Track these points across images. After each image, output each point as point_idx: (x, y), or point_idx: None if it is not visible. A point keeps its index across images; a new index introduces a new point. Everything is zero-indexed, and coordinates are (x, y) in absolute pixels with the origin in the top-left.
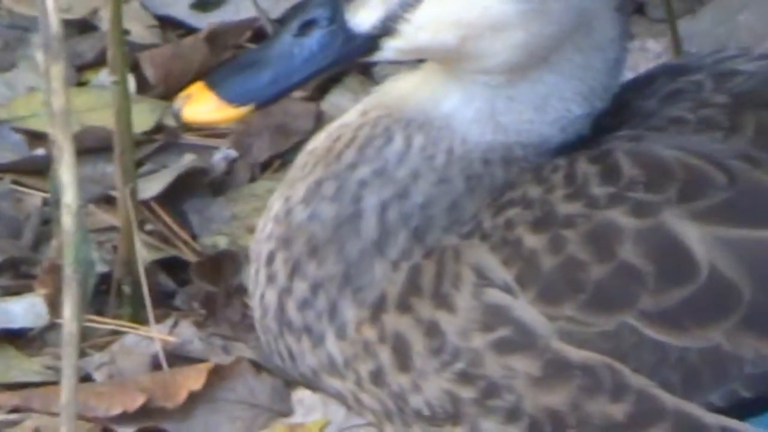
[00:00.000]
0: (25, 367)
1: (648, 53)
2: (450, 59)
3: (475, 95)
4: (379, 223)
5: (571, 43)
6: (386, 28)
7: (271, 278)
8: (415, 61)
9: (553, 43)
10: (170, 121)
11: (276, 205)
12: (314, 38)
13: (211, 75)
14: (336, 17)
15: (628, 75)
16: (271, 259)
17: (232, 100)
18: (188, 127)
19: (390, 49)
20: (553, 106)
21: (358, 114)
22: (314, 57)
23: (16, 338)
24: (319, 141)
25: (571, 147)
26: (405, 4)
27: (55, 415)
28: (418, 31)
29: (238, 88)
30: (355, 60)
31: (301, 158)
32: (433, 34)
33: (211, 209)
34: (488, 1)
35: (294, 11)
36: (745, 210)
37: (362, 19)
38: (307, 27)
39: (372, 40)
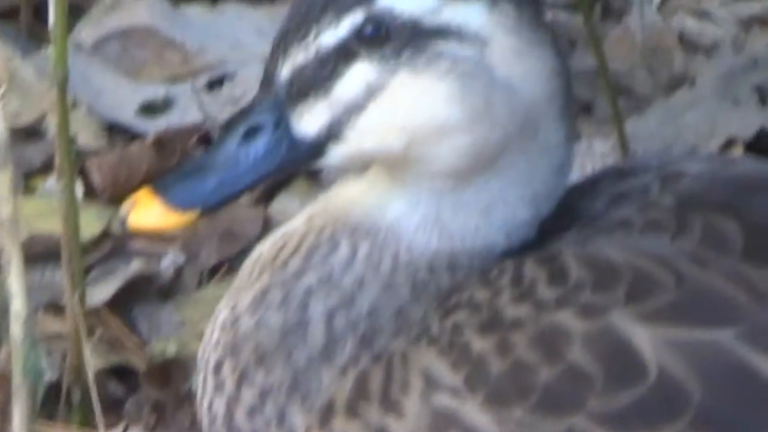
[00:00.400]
0: None
1: (595, 153)
2: (395, 164)
3: (421, 201)
4: (327, 331)
5: (517, 148)
6: (332, 134)
7: (219, 386)
8: (361, 166)
9: (499, 148)
10: (117, 228)
11: (223, 313)
12: (259, 144)
13: (157, 181)
14: (281, 123)
15: (575, 175)
16: (218, 367)
17: (178, 206)
18: (136, 234)
19: (336, 154)
20: (498, 211)
21: (303, 221)
22: (259, 163)
23: None
24: (264, 248)
25: (517, 250)
26: (350, 109)
27: None
28: (363, 136)
29: (184, 194)
30: (300, 166)
31: (247, 266)
32: (379, 139)
33: (159, 315)
34: (433, 106)
35: (239, 116)
36: (693, 311)
37: (308, 124)
38: (252, 132)
39: (317, 146)
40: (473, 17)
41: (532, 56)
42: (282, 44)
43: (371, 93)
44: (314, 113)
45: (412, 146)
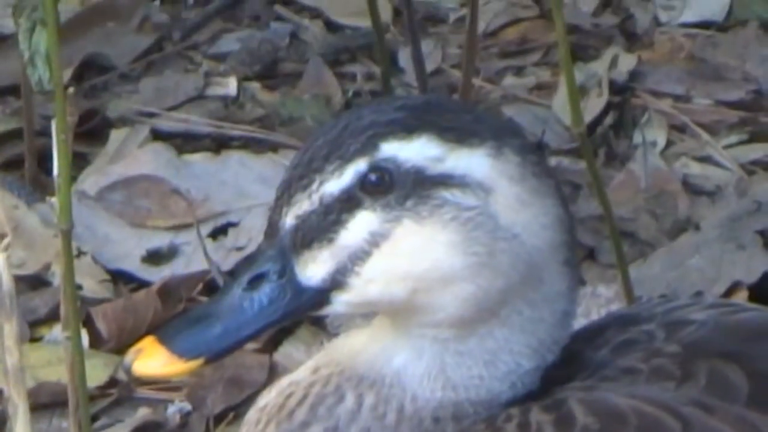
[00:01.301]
0: None
1: (599, 299)
2: (400, 312)
3: (425, 351)
4: None
5: (521, 297)
6: (336, 282)
7: None
8: (366, 313)
9: (503, 297)
10: (123, 376)
11: None
12: (264, 292)
13: (162, 329)
14: (285, 271)
15: (580, 321)
16: None
17: (182, 354)
18: (141, 381)
19: (340, 302)
20: (503, 360)
21: (309, 371)
22: (264, 311)
23: None
24: (270, 397)
25: (523, 396)
26: (354, 257)
27: None
28: (367, 284)
29: (188, 341)
30: (305, 313)
31: (253, 415)
32: (383, 287)
33: None
34: (437, 255)
35: (244, 264)
36: None
37: (312, 273)
38: (256, 281)
39: (322, 294)
40: (477, 166)
41: (537, 205)
42: (286, 193)
43: (375, 242)
44: (318, 261)
45: (416, 294)
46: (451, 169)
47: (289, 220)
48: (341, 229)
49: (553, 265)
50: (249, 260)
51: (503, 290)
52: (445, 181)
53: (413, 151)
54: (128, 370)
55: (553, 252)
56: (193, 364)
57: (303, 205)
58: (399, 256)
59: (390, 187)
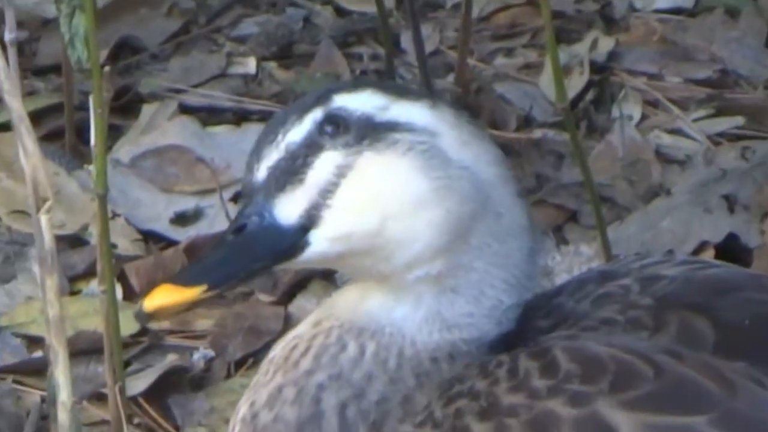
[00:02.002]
0: None
1: (581, 257)
2: (380, 254)
3: (423, 301)
4: (340, 421)
5: (486, 226)
6: (311, 218)
7: None
8: (357, 271)
9: (469, 223)
10: (138, 317)
11: (243, 408)
12: (248, 235)
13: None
14: (264, 216)
15: (563, 276)
16: None
17: (184, 283)
18: (153, 315)
19: (319, 239)
20: (486, 296)
21: (310, 325)
22: (249, 250)
23: None
24: (277, 350)
25: (511, 344)
26: (324, 192)
27: None
28: (339, 215)
29: (188, 274)
30: (287, 257)
31: (264, 366)
32: (355, 217)
33: (192, 403)
34: (400, 178)
35: (235, 218)
36: (670, 400)
37: (288, 212)
38: (241, 227)
39: (300, 233)
40: (418, 114)
41: (477, 145)
42: (255, 153)
43: (341, 174)
44: (293, 201)
45: (387, 222)
46: (396, 117)
47: (261, 173)
48: (308, 169)
49: (507, 197)
50: (238, 214)
51: (468, 216)
52: (393, 127)
53: (360, 101)
54: (140, 312)
55: (503, 184)
56: (194, 291)
57: (272, 155)
58: (365, 183)
59: (346, 129)
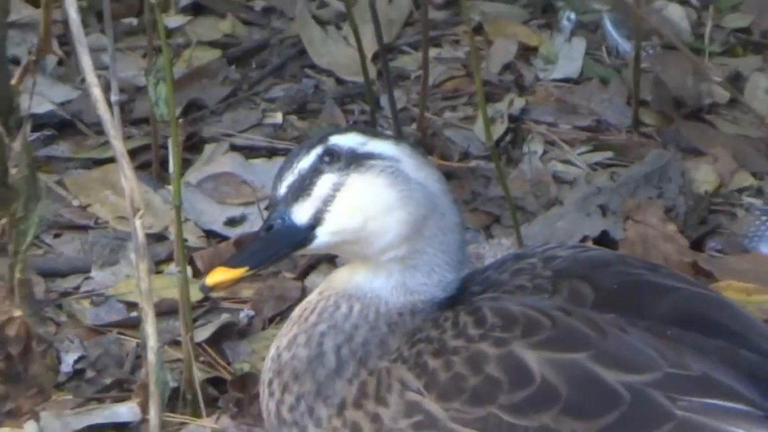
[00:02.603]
0: None
1: (502, 246)
2: (364, 243)
3: (392, 274)
4: (336, 358)
5: (434, 223)
6: (317, 219)
7: (271, 394)
8: (348, 256)
9: (423, 221)
10: (213, 295)
11: (272, 350)
12: (274, 233)
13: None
14: (285, 219)
15: (491, 259)
16: (270, 382)
17: (233, 265)
18: (211, 288)
19: (323, 234)
20: (435, 272)
21: (316, 294)
22: (276, 243)
23: (122, 429)
24: (295, 311)
25: (454, 304)
26: (325, 201)
27: None
28: (336, 217)
29: (236, 260)
30: (302, 247)
31: (286, 323)
32: (346, 218)
33: (238, 347)
34: (377, 191)
35: (265, 221)
36: (562, 341)
37: (301, 216)
38: (270, 227)
39: (309, 230)
40: (386, 148)
41: (427, 169)
42: (278, 177)
43: (336, 189)
44: (304, 209)
45: (368, 221)
46: (372, 149)
47: (282, 190)
48: (314, 186)
49: (447, 203)
50: (267, 218)
51: (422, 216)
52: (370, 156)
53: (347, 140)
54: (202, 285)
55: (444, 195)
56: (239, 271)
57: (289, 178)
58: (353, 195)
59: (338, 159)
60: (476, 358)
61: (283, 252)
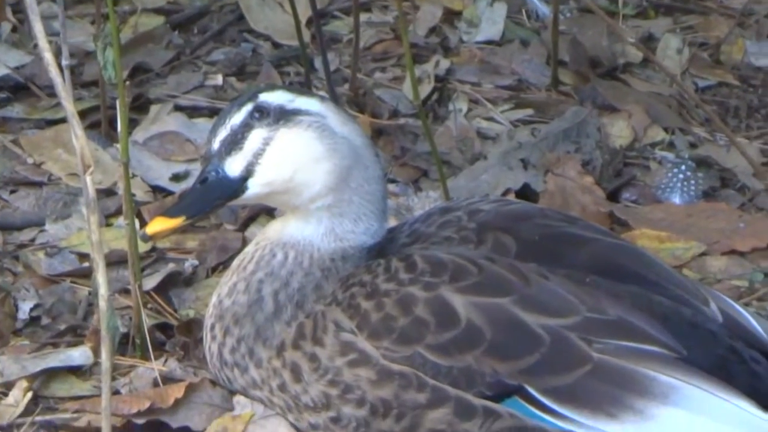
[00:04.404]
0: (81, 387)
1: (430, 198)
2: (293, 193)
3: (322, 222)
4: (274, 302)
5: (359, 175)
6: (248, 171)
7: (213, 337)
8: (280, 206)
9: (348, 171)
10: (160, 245)
11: (214, 297)
12: (209, 184)
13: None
14: (218, 172)
15: (419, 212)
16: (212, 327)
17: (170, 216)
18: (150, 238)
19: (254, 185)
20: (362, 220)
21: (253, 245)
22: (209, 193)
23: (75, 371)
24: (234, 262)
25: (386, 252)
26: (256, 154)
27: (99, 413)
28: (266, 169)
29: (173, 210)
30: (234, 197)
31: (226, 272)
32: (276, 170)
33: (184, 295)
34: (305, 144)
35: (200, 174)
36: (487, 287)
37: (234, 168)
38: (205, 179)
39: (241, 181)
40: (313, 105)
41: (350, 124)
42: (212, 132)
43: (266, 143)
44: (236, 162)
45: (296, 173)
46: (299, 106)
47: (215, 145)
48: (245, 141)
49: (370, 156)
50: (202, 171)
51: (347, 167)
52: (297, 112)
53: (275, 96)
54: (143, 234)
55: (367, 148)
56: (177, 221)
57: (222, 133)
58: (281, 148)
59: (267, 114)
60: (406, 300)
61: (218, 202)
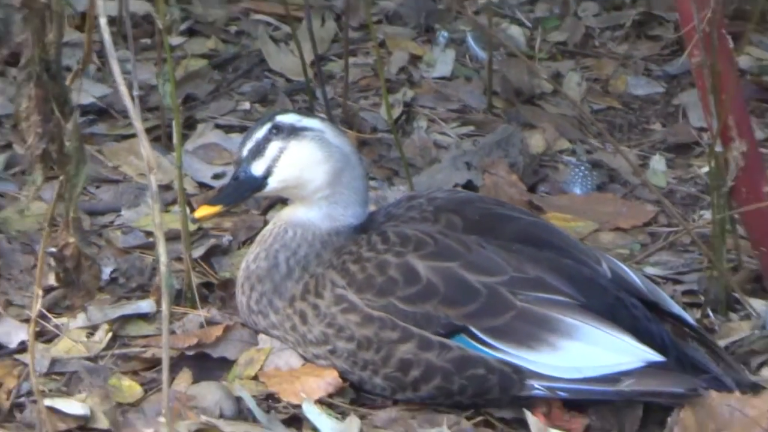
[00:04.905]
0: (147, 329)
1: (400, 191)
2: (300, 188)
3: (322, 207)
4: (287, 267)
5: (348, 173)
6: (268, 171)
7: (243, 292)
8: (291, 197)
9: (340, 172)
10: (205, 226)
11: (243, 263)
12: (240, 181)
13: (206, 200)
14: (247, 173)
15: (391, 200)
16: (242, 285)
17: (212, 204)
18: (198, 221)
19: (272, 182)
20: (350, 207)
21: (271, 224)
22: (240, 188)
23: (143, 317)
24: (258, 237)
25: (367, 230)
26: (274, 160)
27: (160, 348)
28: (281, 171)
29: (214, 200)
30: (258, 191)
31: (253, 245)
32: (288, 171)
33: (222, 261)
34: (311, 152)
35: (233, 173)
36: (441, 254)
37: (257, 170)
38: (237, 177)
39: (262, 180)
40: (315, 123)
41: (342, 137)
42: (242, 142)
43: (282, 151)
44: (259, 165)
45: (303, 172)
46: (305, 124)
47: (244, 153)
48: (266, 150)
49: (356, 160)
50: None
51: (340, 169)
52: (304, 129)
53: (288, 118)
54: (192, 218)
55: (354, 154)
56: (216, 208)
57: (249, 144)
58: (293, 155)
59: (282, 131)
60: (382, 264)
61: (246, 194)
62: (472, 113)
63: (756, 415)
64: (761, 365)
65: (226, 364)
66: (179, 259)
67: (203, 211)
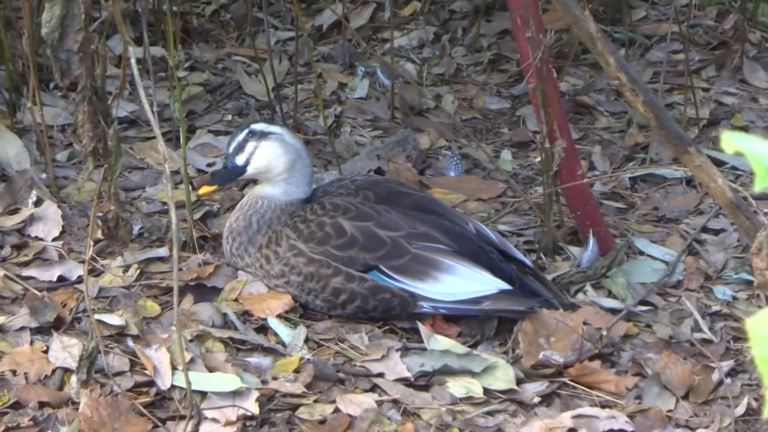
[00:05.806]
0: (163, 267)
1: (332, 174)
2: (269, 173)
3: (281, 186)
4: (257, 225)
5: (300, 163)
6: (246, 161)
7: (227, 242)
8: (261, 179)
9: (294, 163)
10: (195, 195)
11: (227, 222)
12: (228, 169)
13: (206, 180)
14: (233, 163)
15: (326, 181)
16: (227, 237)
17: (209, 184)
18: (201, 196)
19: (249, 170)
20: (301, 186)
21: (247, 197)
22: (228, 174)
23: (161, 259)
24: (237, 205)
25: (311, 201)
26: (250, 154)
27: (171, 280)
28: (255, 162)
29: (210, 180)
30: (240, 175)
31: (234, 210)
32: (260, 162)
33: (213, 221)
34: (275, 149)
35: (223, 164)
36: (360, 217)
37: (240, 161)
38: (226, 166)
39: (243, 168)
40: (277, 129)
41: (296, 138)
42: (229, 142)
43: (255, 148)
44: (240, 158)
45: (270, 162)
46: (271, 130)
47: (230, 149)
48: (245, 148)
49: (305, 154)
50: (225, 160)
51: (294, 160)
52: (270, 133)
53: (259, 126)
54: (196, 194)
55: (304, 150)
56: (212, 188)
57: (233, 144)
58: (263, 151)
59: (255, 135)
60: (321, 224)
61: (233, 178)
62: (381, 122)
63: (574, 325)
64: (576, 291)
65: (217, 291)
66: (184, 220)
67: (204, 189)
